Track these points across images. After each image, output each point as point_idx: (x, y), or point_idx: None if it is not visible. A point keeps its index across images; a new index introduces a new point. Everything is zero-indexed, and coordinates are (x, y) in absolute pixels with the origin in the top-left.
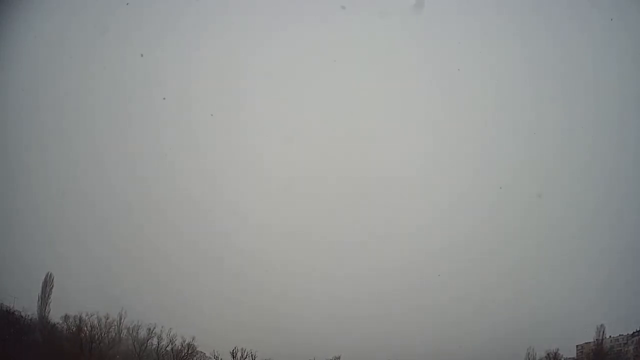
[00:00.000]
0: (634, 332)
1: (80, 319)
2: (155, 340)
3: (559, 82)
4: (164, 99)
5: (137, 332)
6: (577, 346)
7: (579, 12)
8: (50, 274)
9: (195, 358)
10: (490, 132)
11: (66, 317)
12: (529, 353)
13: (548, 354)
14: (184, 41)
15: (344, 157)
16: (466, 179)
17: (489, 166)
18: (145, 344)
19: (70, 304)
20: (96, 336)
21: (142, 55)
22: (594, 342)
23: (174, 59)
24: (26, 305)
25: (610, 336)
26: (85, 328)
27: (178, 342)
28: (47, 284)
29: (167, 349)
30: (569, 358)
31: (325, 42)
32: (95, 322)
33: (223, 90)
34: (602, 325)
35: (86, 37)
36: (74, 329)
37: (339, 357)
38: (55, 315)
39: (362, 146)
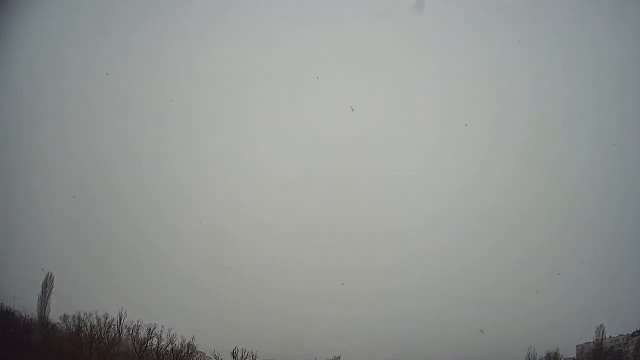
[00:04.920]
0: (634, 332)
1: (80, 318)
2: (155, 340)
3: (560, 81)
4: (172, 100)
5: (137, 332)
6: (577, 346)
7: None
8: (50, 274)
9: (195, 358)
10: (492, 131)
11: (66, 317)
12: (529, 353)
13: (548, 354)
14: (186, 42)
15: (345, 156)
16: (467, 179)
17: (490, 166)
18: (145, 344)
19: (70, 304)
20: (96, 336)
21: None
22: (594, 342)
23: (176, 61)
24: (26, 305)
25: (610, 336)
26: (85, 328)
27: (178, 342)
28: (47, 284)
29: (167, 349)
30: (569, 358)
31: (324, 42)
32: (95, 322)
33: (225, 90)
34: (602, 325)
35: (87, 38)
36: (74, 329)
37: (339, 357)
38: (55, 315)
39: (363, 145)
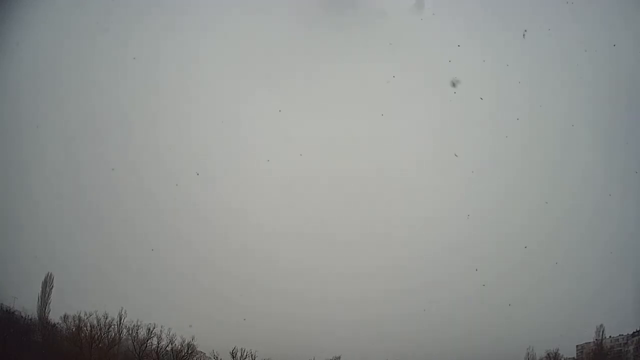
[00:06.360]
0: (634, 332)
1: (80, 318)
2: (155, 340)
3: (561, 83)
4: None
5: (136, 332)
6: (577, 346)
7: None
8: (50, 274)
9: (195, 358)
10: (490, 132)
11: (66, 317)
12: (528, 353)
13: (548, 354)
14: (184, 41)
15: (344, 157)
16: (466, 179)
17: (489, 167)
18: (145, 344)
19: (70, 304)
20: (96, 336)
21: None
22: (594, 342)
23: (174, 61)
24: (26, 305)
25: (610, 336)
26: (85, 328)
27: (178, 342)
28: (47, 284)
29: (167, 349)
30: (569, 358)
31: (323, 41)
32: (95, 322)
33: (224, 90)
34: (602, 325)
35: (86, 37)
36: (74, 329)
37: (339, 357)
38: (55, 315)
39: (362, 146)
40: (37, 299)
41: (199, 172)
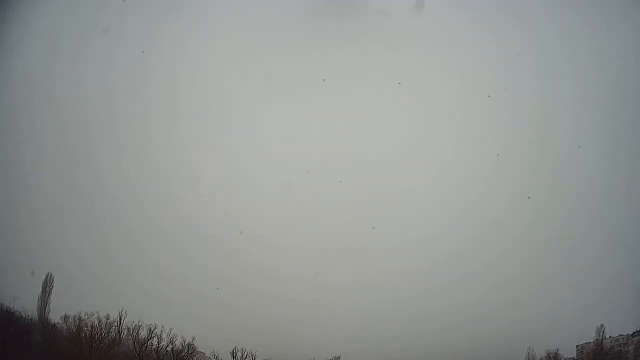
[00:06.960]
0: (634, 332)
1: (80, 319)
2: (155, 340)
3: (567, 83)
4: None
5: (137, 332)
6: (577, 346)
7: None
8: (50, 274)
9: (195, 358)
10: (491, 134)
11: (66, 317)
12: (529, 353)
13: (548, 354)
14: (182, 40)
15: (347, 162)
16: (467, 181)
17: (489, 170)
18: (145, 344)
19: (70, 304)
20: (96, 336)
21: (143, 52)
22: (594, 342)
23: (174, 61)
24: (26, 305)
25: (610, 336)
26: (85, 328)
27: (178, 342)
28: (47, 284)
29: (167, 349)
30: (569, 358)
31: (323, 41)
32: (95, 322)
33: (223, 90)
34: (602, 325)
35: (86, 37)
36: (74, 329)
37: (339, 358)
38: (55, 315)
39: (363, 148)
40: (37, 299)
41: (201, 173)
